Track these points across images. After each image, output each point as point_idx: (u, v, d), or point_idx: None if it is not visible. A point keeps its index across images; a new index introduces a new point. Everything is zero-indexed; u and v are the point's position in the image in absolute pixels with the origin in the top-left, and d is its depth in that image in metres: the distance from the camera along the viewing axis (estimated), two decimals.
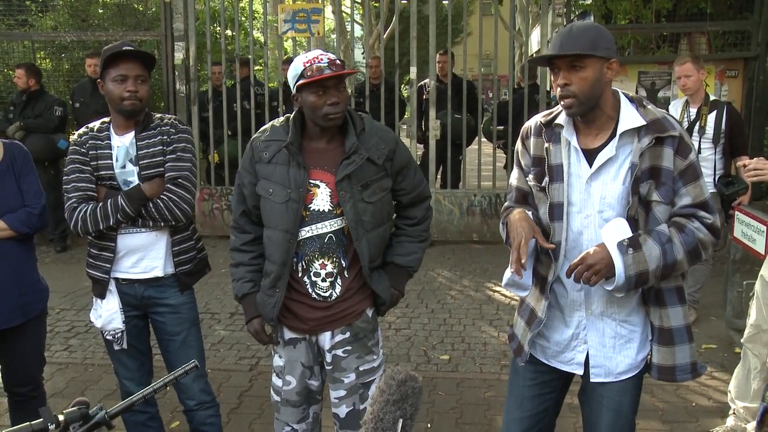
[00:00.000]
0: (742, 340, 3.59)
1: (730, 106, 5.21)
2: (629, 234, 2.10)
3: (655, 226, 2.13)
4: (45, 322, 3.19)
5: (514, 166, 2.44)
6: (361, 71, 8.35)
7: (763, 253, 3.55)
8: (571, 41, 2.07)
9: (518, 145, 2.39)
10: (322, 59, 2.38)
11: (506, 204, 2.42)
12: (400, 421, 1.32)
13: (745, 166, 3.20)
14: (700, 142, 4.97)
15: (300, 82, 2.37)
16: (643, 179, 2.12)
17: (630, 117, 2.14)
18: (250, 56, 8.11)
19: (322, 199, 2.48)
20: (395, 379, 1.36)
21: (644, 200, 2.13)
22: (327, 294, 2.54)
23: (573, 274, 2.11)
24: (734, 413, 3.59)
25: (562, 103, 2.14)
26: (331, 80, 2.37)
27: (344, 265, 2.53)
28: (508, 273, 2.20)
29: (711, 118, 5.04)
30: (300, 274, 2.55)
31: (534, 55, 16.32)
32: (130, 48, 2.73)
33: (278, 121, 2.59)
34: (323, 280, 2.53)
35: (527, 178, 2.33)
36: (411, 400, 1.35)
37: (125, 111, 2.77)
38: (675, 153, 2.12)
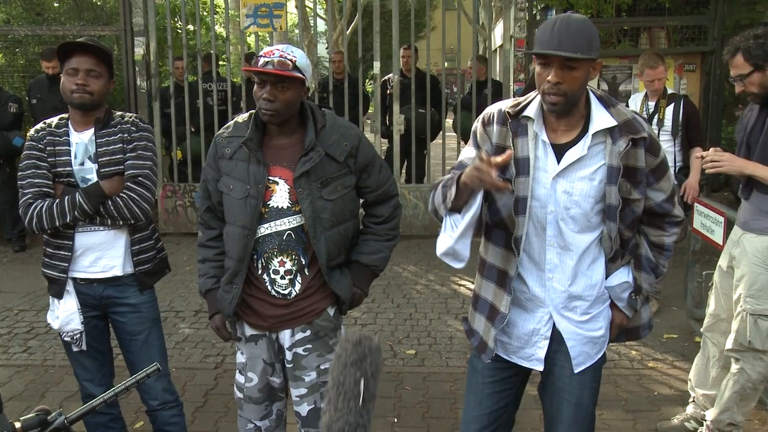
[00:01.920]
0: (701, 330, 3.66)
1: (686, 99, 5.32)
2: (625, 279, 2.30)
3: (631, 218, 2.22)
4: None
5: (470, 145, 2.34)
6: (325, 66, 8.30)
7: (721, 244, 3.62)
8: (570, 40, 2.01)
9: (478, 127, 2.30)
10: (274, 53, 2.36)
11: (444, 177, 2.28)
12: (362, 380, 1.30)
13: (703, 157, 3.24)
14: (658, 134, 5.05)
15: (244, 67, 2.39)
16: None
17: (602, 117, 2.14)
18: (211, 51, 8.02)
19: (280, 195, 2.46)
20: (350, 341, 1.34)
21: (621, 197, 2.17)
22: (286, 292, 2.52)
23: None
24: (694, 401, 3.66)
25: (548, 98, 2.09)
26: (270, 76, 2.34)
27: (304, 263, 2.51)
28: (445, 241, 2.14)
29: (669, 110, 5.13)
30: (259, 272, 2.53)
31: (497, 50, 16.37)
32: (80, 41, 2.67)
33: (242, 118, 2.57)
34: (282, 278, 2.51)
35: None
36: (369, 358, 1.32)
37: (74, 104, 2.73)
38: (647, 152, 2.16)
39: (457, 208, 2.13)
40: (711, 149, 3.26)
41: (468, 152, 2.33)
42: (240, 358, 2.66)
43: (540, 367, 2.32)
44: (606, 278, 2.29)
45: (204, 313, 5.27)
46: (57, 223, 2.70)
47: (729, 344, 3.25)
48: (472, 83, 8.02)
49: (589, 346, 2.29)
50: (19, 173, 2.77)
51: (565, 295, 2.25)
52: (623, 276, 2.30)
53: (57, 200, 2.70)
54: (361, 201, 2.68)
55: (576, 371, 2.28)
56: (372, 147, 2.63)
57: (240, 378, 2.65)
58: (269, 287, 2.52)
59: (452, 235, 2.13)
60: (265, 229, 2.47)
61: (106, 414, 2.98)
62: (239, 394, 2.66)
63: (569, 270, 2.23)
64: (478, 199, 2.09)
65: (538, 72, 2.11)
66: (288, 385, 2.67)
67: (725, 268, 3.39)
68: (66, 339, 2.87)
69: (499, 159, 1.98)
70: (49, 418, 1.51)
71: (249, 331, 2.60)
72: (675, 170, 5.07)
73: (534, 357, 2.31)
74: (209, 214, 2.64)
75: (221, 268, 2.61)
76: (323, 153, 2.42)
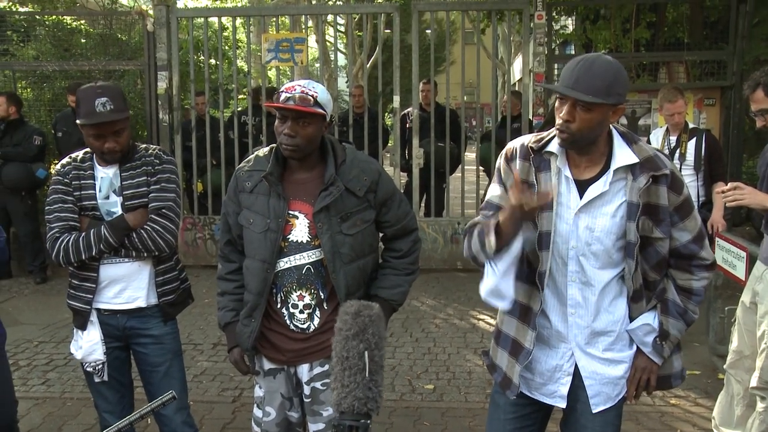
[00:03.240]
0: (724, 366, 3.60)
1: (708, 133, 5.30)
2: (650, 321, 2.23)
3: (656, 259, 2.19)
4: (6, 359, 3.10)
5: (495, 182, 2.34)
6: (345, 100, 8.37)
7: (744, 279, 3.57)
8: (587, 81, 2.01)
9: (501, 163, 2.31)
10: (295, 89, 2.38)
11: (476, 219, 2.29)
12: (366, 353, 1.27)
13: (724, 192, 3.22)
14: (680, 169, 5.03)
15: (266, 102, 2.41)
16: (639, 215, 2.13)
17: (624, 154, 2.14)
18: (261, 85, 8.11)
19: (300, 230, 2.47)
20: (348, 313, 1.30)
21: (642, 236, 2.14)
22: (305, 326, 2.52)
23: (635, 394, 2.29)
24: None
25: (558, 134, 2.11)
26: (291, 112, 2.36)
27: (323, 297, 2.51)
28: (488, 283, 2.15)
29: (691, 145, 5.12)
30: (278, 305, 2.53)
31: (516, 84, 16.48)
32: (101, 119, 2.67)
33: (262, 152, 2.59)
34: (301, 312, 2.51)
35: None
36: (371, 329, 1.29)
37: (108, 160, 2.81)
38: (669, 189, 2.14)
39: (498, 251, 2.12)
40: (730, 183, 3.24)
41: (494, 190, 2.34)
42: (258, 392, 2.65)
43: (563, 404, 2.29)
44: (631, 320, 2.25)
45: (222, 346, 5.27)
46: (83, 257, 2.74)
47: (754, 382, 3.19)
48: (507, 115, 7.99)
49: (609, 387, 2.25)
50: (46, 207, 2.82)
51: (588, 331, 2.22)
52: (646, 319, 2.24)
53: (83, 234, 2.74)
54: (380, 235, 2.68)
55: (594, 411, 2.25)
56: (392, 181, 2.64)
57: (258, 412, 2.65)
58: (288, 321, 2.52)
59: (494, 275, 2.13)
60: (284, 263, 2.48)
61: None
62: (257, 429, 2.65)
63: (591, 306, 2.21)
64: (519, 239, 2.09)
65: (556, 106, 2.13)
66: (306, 420, 2.65)
67: (748, 303, 3.35)
68: (88, 369, 2.89)
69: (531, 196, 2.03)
70: None
71: (267, 365, 2.60)
72: (698, 205, 5.03)
73: (557, 394, 2.28)
74: (229, 247, 2.66)
75: (240, 302, 2.62)
76: (343, 188, 2.44)
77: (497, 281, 2.13)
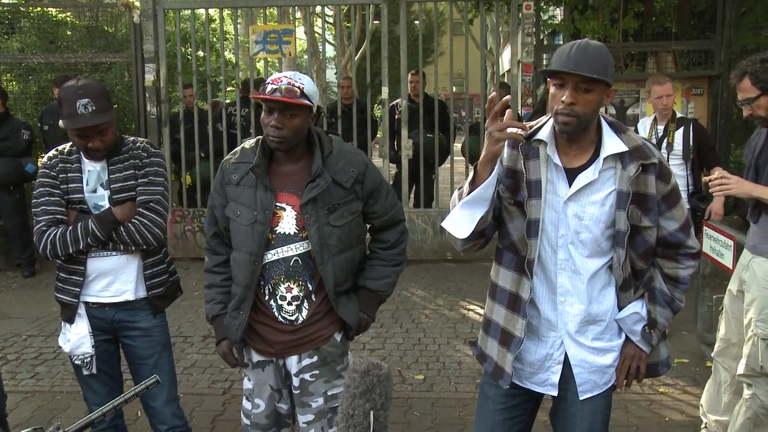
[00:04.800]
0: (712, 354, 3.63)
1: (695, 122, 5.32)
2: (638, 309, 2.26)
3: (644, 248, 2.21)
4: None
5: None
6: (334, 91, 8.32)
7: (731, 268, 3.60)
8: (587, 61, 2.03)
9: None
10: (282, 81, 2.38)
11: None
12: (371, 412, 1.28)
13: (711, 181, 3.23)
14: (668, 158, 5.05)
15: (252, 94, 2.40)
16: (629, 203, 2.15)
17: (613, 142, 2.15)
18: (248, 77, 8.05)
19: (287, 222, 2.47)
20: (358, 371, 1.31)
21: (630, 224, 2.16)
22: (293, 318, 2.52)
23: (625, 382, 2.32)
24: (706, 427, 3.62)
25: (561, 118, 2.10)
26: (277, 104, 2.36)
27: (311, 289, 2.51)
28: (452, 212, 2.16)
29: (678, 134, 5.14)
30: (266, 297, 2.53)
31: (505, 75, 16.47)
32: (88, 118, 2.63)
33: (249, 144, 2.59)
34: (289, 304, 2.51)
35: (498, 188, 2.23)
36: (378, 389, 1.30)
37: (94, 157, 2.78)
38: (657, 178, 2.15)
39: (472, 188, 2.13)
40: (717, 172, 3.25)
41: None
42: (247, 384, 2.65)
43: (554, 392, 2.30)
44: (619, 309, 2.27)
45: (212, 339, 5.25)
46: (70, 250, 2.72)
47: (741, 369, 3.22)
48: (479, 110, 8.04)
49: (597, 375, 2.27)
50: (33, 200, 2.80)
51: (578, 319, 2.23)
52: (635, 308, 2.26)
53: (70, 227, 2.73)
54: (368, 226, 2.68)
55: (581, 398, 2.26)
56: (379, 173, 2.64)
57: (247, 404, 2.65)
58: (276, 313, 2.52)
59: (458, 205, 2.13)
60: (272, 255, 2.48)
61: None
62: (246, 421, 2.65)
63: (582, 294, 2.22)
64: (492, 176, 2.08)
65: (553, 93, 2.12)
66: (295, 412, 2.66)
67: (735, 292, 3.37)
68: (77, 362, 2.88)
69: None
70: (47, 431, 1.51)
71: (256, 357, 2.60)
72: (687, 194, 5.05)
73: (548, 382, 2.30)
74: (216, 239, 2.66)
75: (228, 294, 2.61)
76: (330, 179, 2.43)
77: (459, 208, 2.13)
